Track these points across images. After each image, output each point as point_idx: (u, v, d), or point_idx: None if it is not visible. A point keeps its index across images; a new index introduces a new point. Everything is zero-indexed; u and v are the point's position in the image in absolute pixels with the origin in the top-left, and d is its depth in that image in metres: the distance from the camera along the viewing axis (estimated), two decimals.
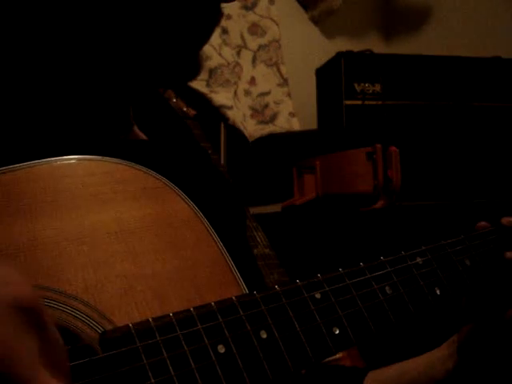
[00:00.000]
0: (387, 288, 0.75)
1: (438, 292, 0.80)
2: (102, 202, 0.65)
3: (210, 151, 1.80)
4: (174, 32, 0.76)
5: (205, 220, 0.70)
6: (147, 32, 0.75)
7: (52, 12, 0.74)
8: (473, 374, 0.93)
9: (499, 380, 0.95)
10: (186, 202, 0.70)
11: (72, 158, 0.67)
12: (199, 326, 0.60)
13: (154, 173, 0.70)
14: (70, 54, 0.76)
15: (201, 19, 0.77)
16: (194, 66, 0.80)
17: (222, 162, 2.52)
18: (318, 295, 0.68)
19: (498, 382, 0.95)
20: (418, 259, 0.80)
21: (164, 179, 0.70)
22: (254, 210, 2.23)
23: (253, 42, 3.07)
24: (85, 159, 0.67)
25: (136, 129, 0.86)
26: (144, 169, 0.69)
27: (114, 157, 0.69)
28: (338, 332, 0.67)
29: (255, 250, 1.85)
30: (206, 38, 0.81)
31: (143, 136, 0.86)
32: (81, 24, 0.75)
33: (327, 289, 0.69)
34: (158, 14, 0.74)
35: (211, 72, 2.72)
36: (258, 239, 1.91)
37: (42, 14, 0.75)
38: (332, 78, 2.57)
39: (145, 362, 0.56)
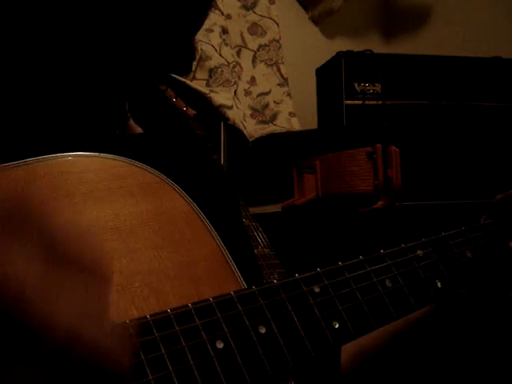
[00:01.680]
0: (387, 281, 0.74)
1: (439, 284, 0.79)
2: (98, 198, 0.65)
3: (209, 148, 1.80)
4: (166, 18, 0.75)
5: (202, 216, 0.70)
6: (140, 20, 0.75)
7: (44, 7, 0.74)
8: (451, 321, 0.92)
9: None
10: (184, 198, 0.70)
11: (68, 155, 0.66)
12: (197, 322, 0.59)
13: (150, 169, 0.69)
14: (64, 49, 0.76)
15: (192, 4, 0.77)
16: (189, 53, 0.80)
17: (222, 161, 2.52)
18: (317, 289, 0.68)
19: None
20: (419, 251, 0.80)
21: (161, 175, 0.70)
22: (253, 210, 2.22)
23: (253, 42, 3.07)
24: (81, 156, 0.67)
25: (132, 123, 0.86)
26: (140, 165, 0.69)
27: (111, 153, 0.69)
28: (337, 326, 0.67)
29: (255, 250, 1.85)
30: (197, 26, 0.80)
31: (139, 130, 0.86)
32: (73, 19, 0.74)
33: (326, 282, 0.69)
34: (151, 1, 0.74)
35: (211, 72, 2.71)
36: (258, 239, 1.91)
37: (33, 10, 0.75)
38: (332, 78, 2.58)
39: (143, 358, 0.55)
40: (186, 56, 0.80)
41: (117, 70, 0.79)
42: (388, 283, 0.74)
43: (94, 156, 0.68)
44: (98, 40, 0.75)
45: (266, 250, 1.90)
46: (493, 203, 0.94)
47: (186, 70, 0.82)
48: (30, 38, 0.76)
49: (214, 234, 0.70)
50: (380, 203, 2.24)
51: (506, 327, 0.90)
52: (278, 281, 0.66)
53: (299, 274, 0.68)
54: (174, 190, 0.70)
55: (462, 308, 0.90)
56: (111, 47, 0.76)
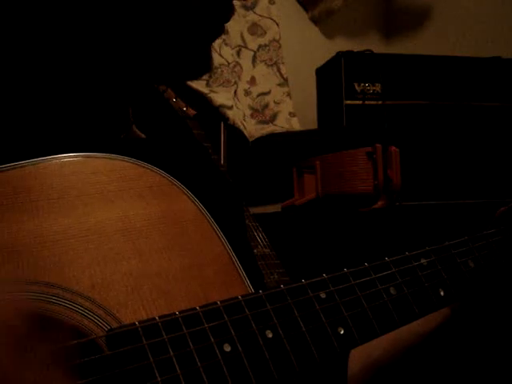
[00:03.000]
0: (392, 289, 0.75)
1: (441, 293, 0.80)
2: (108, 199, 0.65)
3: (209, 151, 1.81)
4: (184, 28, 0.76)
5: (210, 218, 0.70)
6: (157, 27, 0.75)
7: (52, 9, 0.74)
8: (466, 330, 0.92)
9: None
10: (192, 200, 0.70)
11: (78, 156, 0.66)
12: (205, 325, 0.60)
13: (159, 170, 0.70)
14: (73, 53, 0.76)
15: (213, 16, 0.77)
16: (205, 61, 0.80)
17: (222, 161, 2.52)
18: (323, 295, 0.68)
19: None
20: (423, 260, 0.80)
21: (169, 177, 0.70)
22: (254, 210, 2.22)
23: (253, 42, 3.07)
24: (91, 156, 0.67)
25: (135, 128, 0.86)
26: (150, 167, 0.69)
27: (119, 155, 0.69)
28: (342, 332, 0.67)
29: (255, 250, 1.85)
30: (217, 34, 0.80)
31: (142, 135, 0.86)
32: (83, 23, 0.74)
33: (332, 289, 0.69)
34: (170, 10, 0.74)
35: (211, 72, 2.71)
36: (258, 239, 1.91)
37: (42, 12, 0.75)
38: (332, 78, 2.58)
39: (151, 360, 0.56)
40: (202, 63, 0.81)
41: (128, 74, 0.79)
42: (392, 291, 0.75)
43: (104, 157, 0.68)
44: (110, 44, 0.75)
45: (266, 250, 1.90)
46: (495, 216, 0.94)
47: (202, 74, 0.82)
48: (37, 41, 0.76)
49: (222, 236, 0.70)
50: (380, 203, 2.24)
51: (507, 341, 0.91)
52: (284, 285, 0.67)
53: (305, 280, 0.69)
54: (183, 192, 0.70)
55: (467, 323, 0.91)
56: (125, 53, 0.76)
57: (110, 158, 0.68)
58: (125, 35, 0.75)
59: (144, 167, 0.69)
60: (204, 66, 0.81)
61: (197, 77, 0.82)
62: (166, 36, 0.76)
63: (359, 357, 0.98)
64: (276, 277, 1.82)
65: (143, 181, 0.68)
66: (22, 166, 0.62)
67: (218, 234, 0.70)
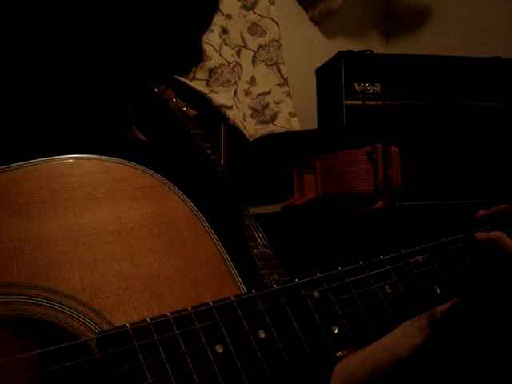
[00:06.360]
0: (387, 287, 0.74)
1: (438, 291, 0.79)
2: (99, 201, 0.65)
3: (209, 151, 1.81)
4: (173, 20, 0.75)
5: (203, 219, 0.70)
6: (146, 20, 0.74)
7: (48, 9, 0.74)
8: (445, 350, 0.92)
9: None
10: (184, 201, 0.70)
11: (69, 158, 0.66)
12: (197, 326, 0.60)
13: (151, 172, 0.69)
14: (68, 51, 0.76)
15: (200, 5, 0.77)
16: (196, 53, 0.80)
17: (222, 162, 2.52)
18: (316, 294, 0.68)
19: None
20: (418, 257, 0.80)
21: (162, 178, 0.70)
22: (254, 210, 2.22)
23: (253, 42, 3.06)
24: (82, 158, 0.67)
25: (134, 128, 0.86)
26: (142, 168, 0.69)
27: (112, 156, 0.69)
28: (337, 331, 0.67)
29: (255, 250, 1.85)
30: (205, 25, 0.80)
31: (141, 136, 0.86)
32: (77, 20, 0.74)
33: (326, 287, 0.69)
34: (157, 2, 0.74)
35: (211, 72, 2.71)
36: (258, 239, 1.91)
37: (38, 11, 0.75)
38: (332, 78, 2.57)
39: (142, 362, 0.56)
40: (192, 57, 0.80)
41: (122, 70, 0.79)
42: (387, 289, 0.74)
43: (95, 158, 0.68)
44: (102, 41, 0.75)
45: (265, 250, 1.90)
46: (476, 219, 0.93)
47: (192, 66, 0.82)
48: (33, 40, 0.75)
49: (215, 237, 0.70)
50: (380, 203, 2.24)
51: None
52: (277, 285, 0.66)
53: (299, 279, 0.68)
54: (175, 193, 0.70)
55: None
56: (117, 48, 0.76)
57: (100, 160, 0.68)
58: (116, 31, 0.75)
59: (135, 168, 0.69)
60: (194, 58, 0.80)
61: (187, 70, 0.82)
62: (155, 29, 0.75)
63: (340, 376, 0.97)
64: (276, 277, 1.82)
65: (134, 182, 0.68)
66: (11, 169, 0.62)
67: (210, 235, 0.69)
